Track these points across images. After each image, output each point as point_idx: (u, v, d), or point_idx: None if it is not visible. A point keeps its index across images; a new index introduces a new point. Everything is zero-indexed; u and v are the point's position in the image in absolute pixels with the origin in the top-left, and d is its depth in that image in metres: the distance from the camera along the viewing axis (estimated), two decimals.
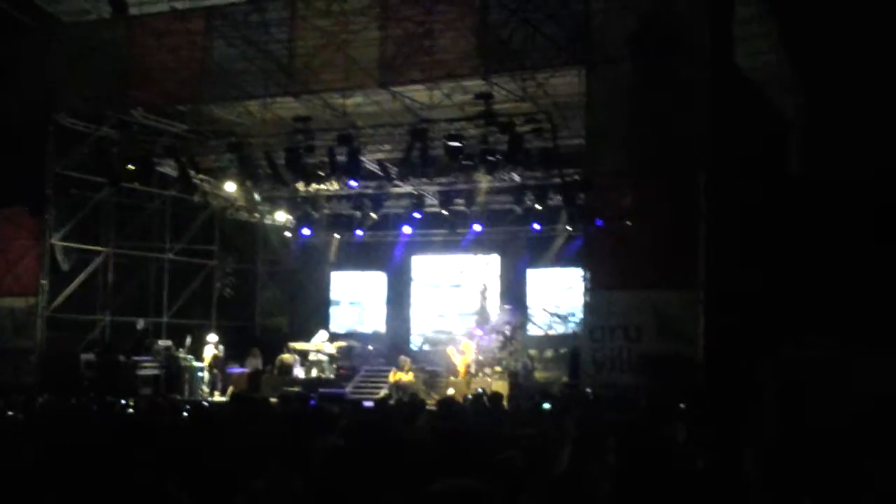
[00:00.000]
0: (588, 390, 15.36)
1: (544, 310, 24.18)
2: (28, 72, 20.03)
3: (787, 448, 8.42)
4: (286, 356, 22.77)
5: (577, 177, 18.56)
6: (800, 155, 20.30)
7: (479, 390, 16.76)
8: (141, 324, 22.59)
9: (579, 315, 18.12)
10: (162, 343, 21.81)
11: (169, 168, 21.43)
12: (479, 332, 22.20)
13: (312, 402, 12.55)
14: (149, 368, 20.84)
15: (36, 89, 20.04)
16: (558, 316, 23.82)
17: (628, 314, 15.81)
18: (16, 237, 20.49)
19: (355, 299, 27.32)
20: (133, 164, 20.48)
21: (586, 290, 16.65)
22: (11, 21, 19.84)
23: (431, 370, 21.72)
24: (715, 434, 8.70)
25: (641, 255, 15.75)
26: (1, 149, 19.97)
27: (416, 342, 25.47)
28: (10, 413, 10.97)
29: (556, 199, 20.88)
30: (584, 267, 16.96)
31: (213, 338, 22.58)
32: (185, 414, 10.64)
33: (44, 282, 20.36)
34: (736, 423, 9.36)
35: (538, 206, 21.64)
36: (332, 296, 27.42)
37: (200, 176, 21.62)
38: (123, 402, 13.73)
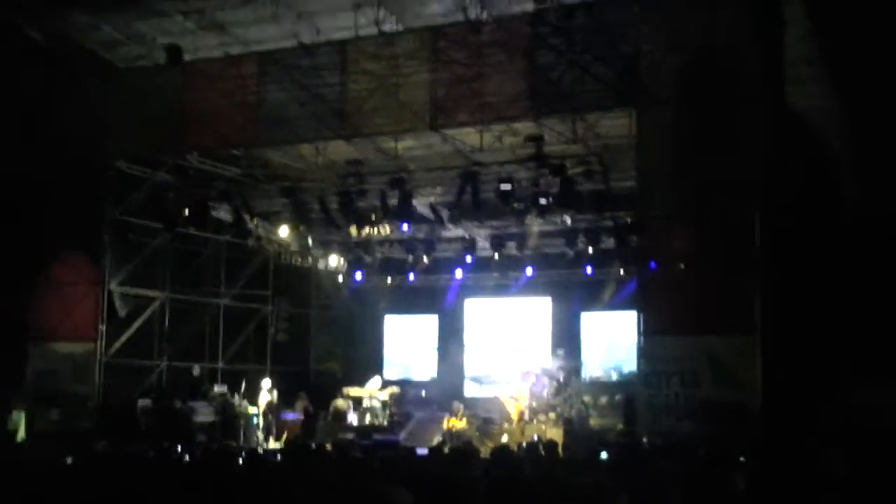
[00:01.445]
0: (644, 439, 15.11)
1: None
2: (85, 118, 20.31)
3: (856, 499, 8.18)
4: (340, 402, 22.72)
5: (629, 219, 18.44)
6: (855, 195, 19.97)
7: (534, 438, 16.59)
8: (197, 369, 22.69)
9: (634, 360, 17.86)
10: (217, 389, 21.90)
11: (224, 213, 21.68)
12: (532, 378, 22.01)
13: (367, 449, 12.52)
14: (204, 414, 20.92)
15: (93, 135, 20.32)
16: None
17: (684, 360, 15.53)
18: (74, 282, 20.70)
19: (408, 343, 27.27)
20: (188, 209, 20.74)
21: (640, 334, 16.43)
22: (68, 68, 20.24)
23: (485, 417, 21.55)
24: (777, 485, 8.49)
25: (696, 299, 15.49)
26: (59, 195, 20.30)
27: (469, 387, 25.31)
28: (67, 459, 11.01)
29: (608, 242, 20.75)
30: (639, 311, 16.74)
31: (267, 383, 22.62)
32: (240, 461, 10.61)
33: (102, 327, 20.53)
34: (800, 474, 9.13)
35: (591, 249, 21.52)
36: (385, 340, 27.39)
37: (255, 220, 21.83)
38: (179, 448, 13.77)
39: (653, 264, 16.29)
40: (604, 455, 12.23)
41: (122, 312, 21.34)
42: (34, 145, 20.02)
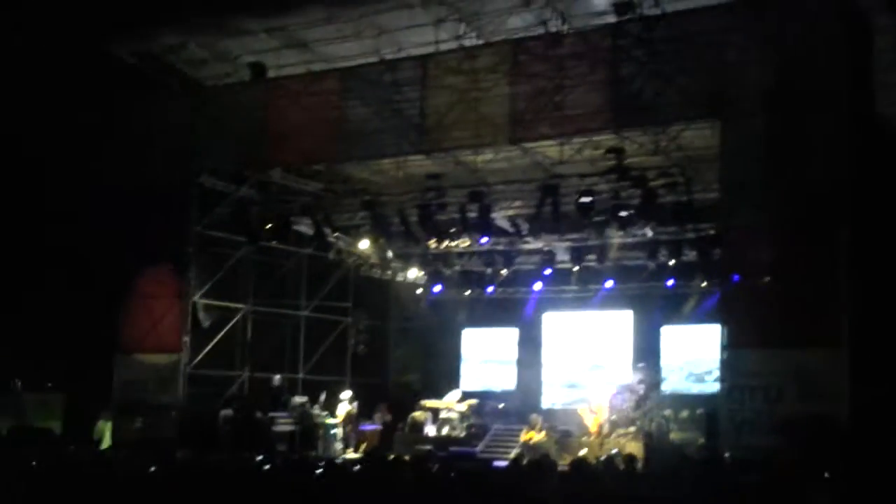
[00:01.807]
0: (726, 454, 14.84)
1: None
2: (173, 135, 20.76)
3: None
4: (418, 413, 22.80)
5: (711, 231, 18.17)
6: None
7: (614, 451, 16.41)
8: (277, 380, 22.95)
9: (716, 374, 17.55)
10: (298, 399, 22.11)
11: (305, 227, 21.93)
12: (612, 391, 21.81)
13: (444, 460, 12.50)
14: (284, 424, 21.14)
15: (180, 151, 20.75)
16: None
17: (768, 374, 15.18)
18: (160, 295, 21.11)
19: (486, 356, 27.22)
20: (271, 223, 21.02)
21: (724, 348, 16.14)
22: (158, 86, 20.71)
23: (563, 430, 21.43)
24: (865, 501, 8.29)
25: (781, 312, 15.15)
26: (148, 209, 20.75)
27: (547, 400, 25.16)
28: (151, 468, 11.20)
29: (690, 255, 20.48)
30: (721, 324, 16.44)
31: (346, 394, 22.78)
32: (319, 471, 10.69)
33: (186, 339, 20.89)
34: (887, 490, 8.89)
35: (672, 262, 21.25)
36: (464, 353, 27.39)
37: (335, 234, 22.04)
38: (260, 457, 13.92)
39: (736, 277, 15.99)
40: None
41: (205, 324, 21.66)
42: (123, 162, 20.52)
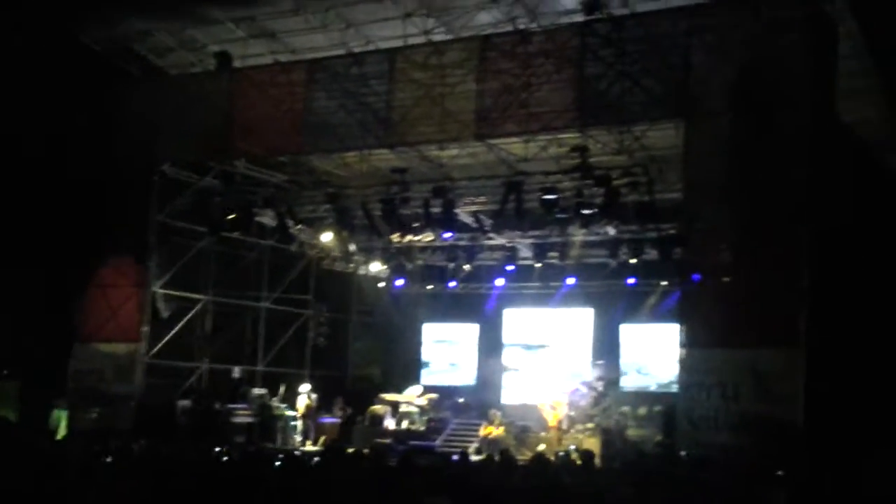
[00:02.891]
0: (683, 451, 14.98)
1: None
2: (134, 122, 20.58)
3: None
4: (377, 407, 22.79)
5: (673, 231, 18.30)
6: None
7: (572, 447, 16.48)
8: (237, 372, 22.84)
9: (674, 372, 17.70)
10: (256, 391, 22.03)
11: (268, 218, 21.82)
12: (571, 387, 21.93)
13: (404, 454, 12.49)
14: (243, 416, 21.06)
15: (142, 140, 20.58)
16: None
17: (726, 372, 15.34)
18: (120, 284, 20.97)
19: (446, 351, 27.27)
20: (234, 214, 20.91)
21: (682, 346, 16.29)
22: (120, 73, 20.50)
23: (522, 425, 21.51)
24: (819, 500, 8.39)
25: (740, 312, 15.32)
26: (108, 198, 20.55)
27: (506, 395, 25.25)
28: (107, 459, 11.10)
29: (651, 254, 20.61)
30: (680, 323, 16.61)
31: (306, 387, 22.71)
32: (277, 463, 10.65)
33: (145, 328, 20.74)
34: (842, 489, 9.02)
35: (633, 261, 21.39)
36: (424, 347, 27.41)
37: (298, 226, 21.95)
38: (218, 449, 13.85)
39: (696, 276, 16.15)
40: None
41: (164, 314, 21.52)
42: (84, 149, 20.29)
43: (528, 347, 25.93)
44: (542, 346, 25.62)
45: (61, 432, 20.01)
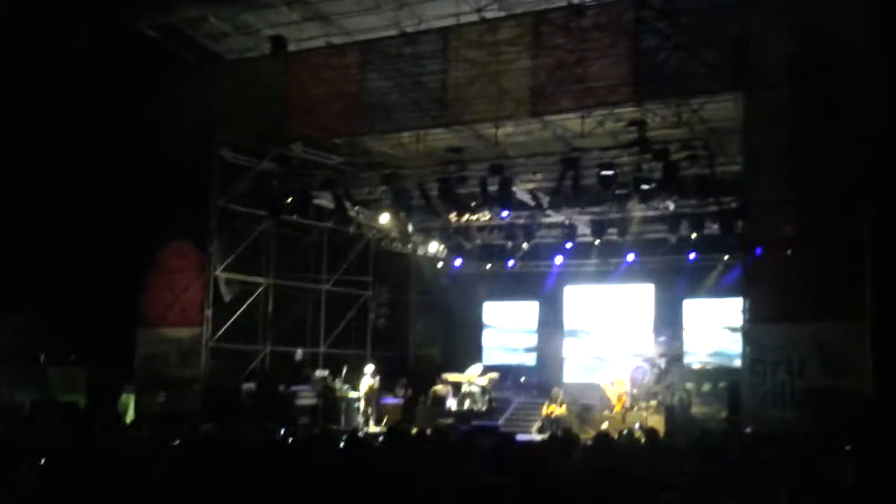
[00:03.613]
0: (748, 428, 14.80)
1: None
2: (193, 108, 20.72)
3: None
4: (439, 387, 22.85)
5: (734, 204, 18.05)
6: None
7: (635, 425, 16.38)
8: (299, 354, 23.01)
9: (738, 347, 17.48)
10: (319, 373, 22.18)
11: (325, 200, 21.94)
12: (633, 365, 21.78)
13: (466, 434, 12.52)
14: (306, 398, 21.21)
15: (200, 125, 20.71)
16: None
17: (791, 347, 15.11)
18: (182, 269, 21.18)
19: (507, 329, 27.24)
20: (292, 197, 21.03)
21: (746, 321, 16.08)
22: (178, 59, 20.69)
23: (584, 403, 21.44)
24: (889, 474, 8.24)
25: (804, 286, 15.05)
26: (168, 183, 20.79)
27: (568, 374, 25.17)
28: (174, 442, 11.27)
29: (712, 228, 20.36)
30: (744, 297, 16.38)
31: (369, 368, 22.83)
32: (341, 444, 10.73)
33: (208, 312, 20.96)
34: None
35: (694, 235, 21.15)
36: (484, 326, 27.40)
37: (356, 208, 22.04)
38: (282, 431, 13.99)
39: (759, 250, 15.90)
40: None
41: (227, 298, 21.73)
42: (144, 137, 20.55)
43: (589, 325, 25.82)
44: (603, 323, 25.50)
45: (129, 417, 20.40)
